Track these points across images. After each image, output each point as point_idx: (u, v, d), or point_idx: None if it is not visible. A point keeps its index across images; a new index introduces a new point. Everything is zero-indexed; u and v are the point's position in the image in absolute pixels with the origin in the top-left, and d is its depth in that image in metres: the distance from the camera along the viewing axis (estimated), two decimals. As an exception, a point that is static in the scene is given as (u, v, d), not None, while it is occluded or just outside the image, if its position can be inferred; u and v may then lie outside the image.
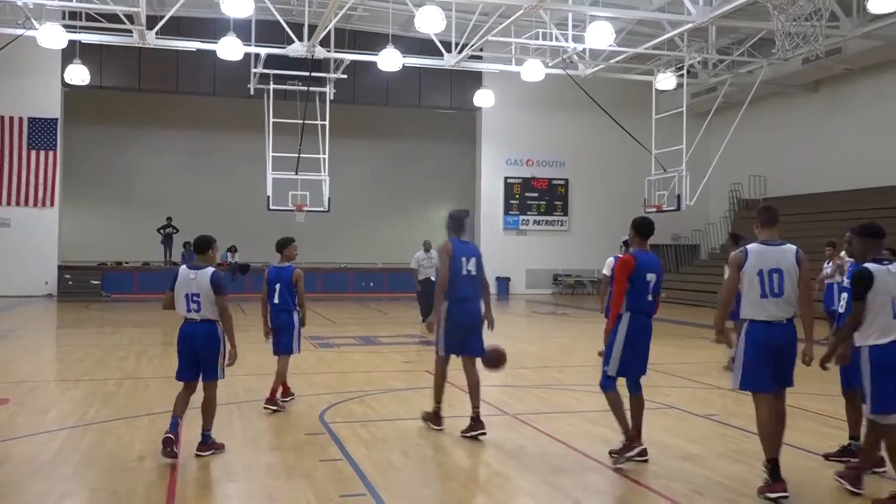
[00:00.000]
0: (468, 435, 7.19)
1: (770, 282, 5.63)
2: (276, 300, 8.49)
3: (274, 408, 8.24)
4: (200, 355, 6.59)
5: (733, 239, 11.96)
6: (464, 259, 7.34)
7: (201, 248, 6.82)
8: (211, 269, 6.60)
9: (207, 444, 6.56)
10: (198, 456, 6.48)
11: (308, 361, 11.99)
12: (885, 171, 23.91)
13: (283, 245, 8.72)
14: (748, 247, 5.81)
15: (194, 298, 6.53)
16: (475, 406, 7.31)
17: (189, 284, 6.57)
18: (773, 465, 5.59)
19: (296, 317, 8.57)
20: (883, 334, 5.36)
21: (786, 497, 5.49)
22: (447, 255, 7.31)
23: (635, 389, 6.55)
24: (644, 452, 6.36)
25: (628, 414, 6.47)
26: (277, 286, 8.51)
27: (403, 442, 7.10)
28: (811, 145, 27.09)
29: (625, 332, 6.37)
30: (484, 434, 7.20)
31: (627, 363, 6.40)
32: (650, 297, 6.40)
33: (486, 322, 7.52)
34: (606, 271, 11.74)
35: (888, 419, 5.38)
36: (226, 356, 6.64)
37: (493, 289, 29.79)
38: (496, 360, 7.64)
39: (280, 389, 8.58)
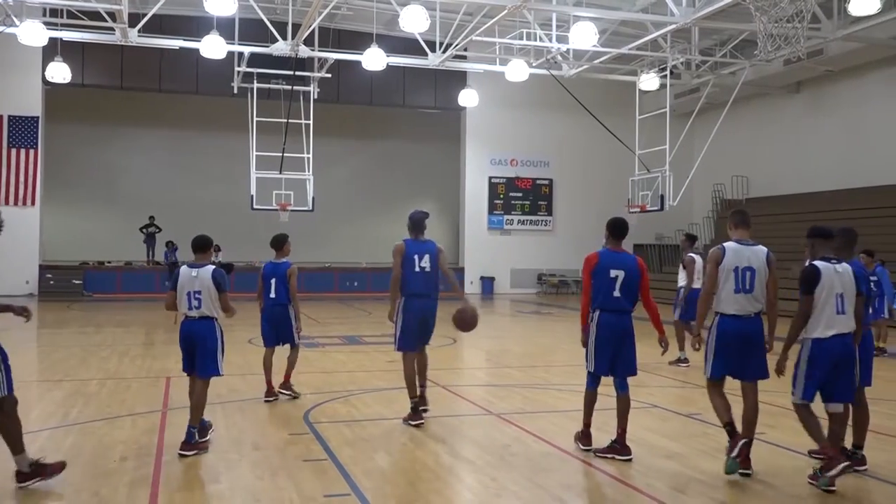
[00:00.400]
0: (417, 419, 7.65)
1: (743, 278, 6.07)
2: (272, 294, 8.76)
3: (289, 393, 8.79)
4: (197, 351, 6.70)
5: (690, 240, 12.21)
6: (416, 256, 7.66)
7: (201, 247, 7.04)
8: (212, 267, 6.83)
9: (191, 444, 6.52)
10: (181, 456, 6.45)
11: (292, 361, 11.96)
12: (866, 172, 24.18)
13: (281, 242, 9.02)
14: (725, 245, 6.20)
15: (196, 296, 6.69)
16: (422, 385, 7.92)
17: (191, 282, 6.73)
18: (731, 427, 6.15)
19: (291, 311, 8.82)
20: (826, 328, 5.81)
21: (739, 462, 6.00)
22: (399, 254, 7.70)
23: (620, 388, 6.64)
24: (589, 444, 6.67)
25: (621, 413, 6.66)
26: (273, 281, 8.77)
27: (388, 441, 7.10)
28: (793, 146, 27.31)
29: (594, 330, 6.56)
30: (426, 410, 7.82)
31: (603, 360, 6.56)
32: (617, 294, 6.50)
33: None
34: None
35: (801, 401, 5.91)
36: (224, 352, 6.84)
37: (477, 288, 30.08)
38: (465, 321, 7.87)
39: (279, 383, 8.85)
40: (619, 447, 6.50)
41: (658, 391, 9.73)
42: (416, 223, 7.85)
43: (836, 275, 5.86)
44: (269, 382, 8.77)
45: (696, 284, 11.18)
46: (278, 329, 8.82)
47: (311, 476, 6.00)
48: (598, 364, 6.57)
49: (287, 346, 8.92)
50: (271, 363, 8.81)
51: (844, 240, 6.22)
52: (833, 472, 5.60)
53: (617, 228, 6.69)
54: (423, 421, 7.67)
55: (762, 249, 6.21)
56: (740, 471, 5.96)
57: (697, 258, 11.59)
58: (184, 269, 6.88)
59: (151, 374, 10.76)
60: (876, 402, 9.15)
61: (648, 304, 6.68)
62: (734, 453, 5.90)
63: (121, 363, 11.75)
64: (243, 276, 20.02)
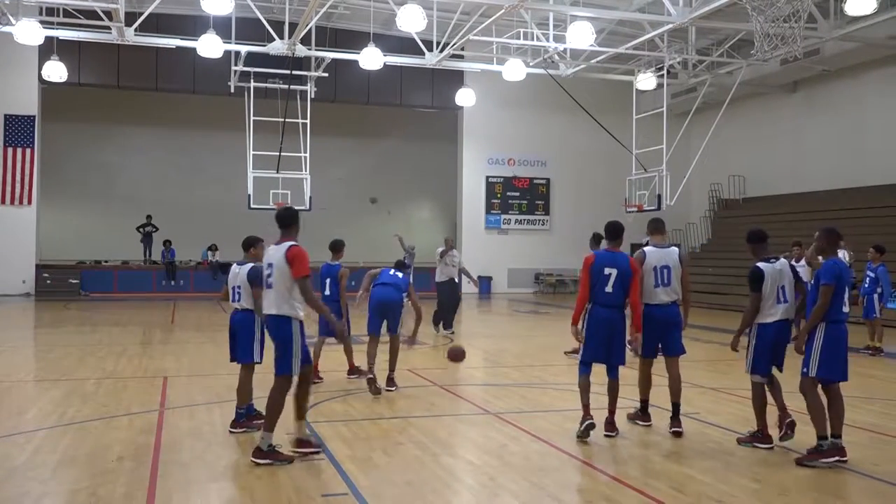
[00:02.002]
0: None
1: (661, 275, 7.47)
2: (326, 292, 9.78)
3: (356, 377, 10.06)
4: (237, 340, 7.43)
5: (596, 239, 12.52)
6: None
7: (246, 246, 7.69)
8: (250, 265, 7.43)
9: (241, 423, 7.30)
10: (231, 432, 7.22)
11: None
12: (863, 172, 24.22)
13: (338, 246, 10.22)
14: (645, 249, 7.59)
15: (237, 290, 7.43)
16: (391, 369, 9.64)
17: (235, 278, 7.48)
18: (644, 405, 7.69)
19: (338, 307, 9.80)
20: (769, 316, 6.84)
21: (648, 425, 7.61)
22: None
23: (610, 374, 7.28)
24: (590, 426, 7.11)
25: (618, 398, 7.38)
26: (328, 280, 9.89)
27: (385, 441, 7.10)
28: (790, 145, 27.34)
29: (587, 321, 7.23)
30: (378, 393, 9.08)
31: (594, 350, 7.21)
32: (609, 290, 7.12)
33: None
34: None
35: (756, 378, 6.95)
36: (263, 341, 7.34)
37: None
38: (455, 356, 9.73)
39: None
40: (609, 425, 7.24)
41: (656, 391, 9.71)
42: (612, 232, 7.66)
43: (776, 271, 6.86)
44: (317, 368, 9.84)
45: None
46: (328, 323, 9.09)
47: (309, 475, 6.00)
48: (591, 352, 7.21)
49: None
50: (319, 353, 9.99)
51: (828, 239, 6.84)
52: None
53: (607, 231, 7.45)
54: (380, 390, 9.13)
55: (675, 250, 7.65)
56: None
57: None
58: (233, 266, 7.64)
59: (149, 374, 10.74)
60: (874, 401, 9.20)
61: (633, 301, 7.21)
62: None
63: (118, 363, 11.73)
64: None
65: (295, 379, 6.49)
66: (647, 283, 7.39)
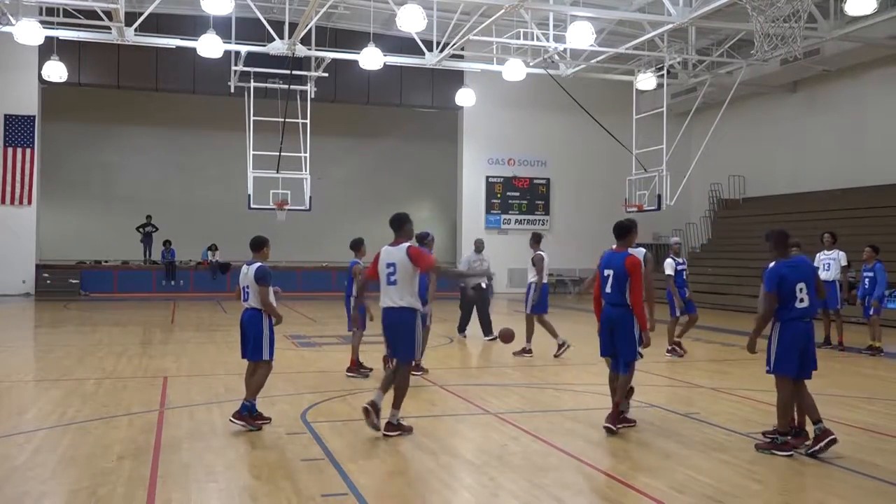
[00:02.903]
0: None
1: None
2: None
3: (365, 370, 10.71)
4: (245, 338, 7.58)
5: (536, 239, 13.20)
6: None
7: (255, 246, 7.79)
8: (258, 264, 7.58)
9: (243, 416, 7.38)
10: (230, 421, 7.37)
11: (290, 360, 11.96)
12: (863, 171, 24.21)
13: (357, 245, 10.87)
14: (606, 251, 7.84)
15: (245, 289, 7.61)
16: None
17: (244, 278, 7.63)
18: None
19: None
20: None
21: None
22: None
23: (618, 369, 7.50)
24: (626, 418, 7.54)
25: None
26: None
27: (385, 441, 7.08)
28: (790, 145, 27.34)
29: (599, 319, 7.61)
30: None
31: (602, 346, 7.60)
32: (608, 290, 7.44)
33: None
34: (669, 271, 12.71)
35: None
36: (272, 339, 7.59)
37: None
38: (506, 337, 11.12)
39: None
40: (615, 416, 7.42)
41: (656, 391, 9.73)
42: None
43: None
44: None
45: (546, 280, 12.79)
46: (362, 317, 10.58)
47: (309, 475, 5.99)
48: (601, 348, 7.63)
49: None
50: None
51: (775, 241, 7.07)
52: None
53: (614, 231, 7.71)
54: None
55: (640, 251, 8.28)
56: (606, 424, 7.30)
57: (545, 256, 12.83)
58: (243, 266, 7.76)
59: (149, 374, 10.74)
60: (874, 401, 9.19)
61: (632, 301, 7.34)
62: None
63: (118, 362, 11.72)
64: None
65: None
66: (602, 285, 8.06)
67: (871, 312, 13.06)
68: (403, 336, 7.24)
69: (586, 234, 28.09)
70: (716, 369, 11.80)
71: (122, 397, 9.03)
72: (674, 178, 23.75)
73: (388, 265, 7.22)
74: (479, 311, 15.01)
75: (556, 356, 12.46)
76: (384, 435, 7.06)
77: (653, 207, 24.18)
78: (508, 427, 7.69)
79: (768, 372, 6.85)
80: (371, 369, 10.58)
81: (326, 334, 15.84)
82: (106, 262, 28.71)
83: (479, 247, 14.94)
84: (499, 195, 30.96)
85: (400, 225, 7.39)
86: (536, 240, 13.12)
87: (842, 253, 13.46)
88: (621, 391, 7.47)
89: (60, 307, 22.44)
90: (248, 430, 7.32)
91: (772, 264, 6.90)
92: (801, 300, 6.71)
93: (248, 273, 7.58)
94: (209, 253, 28.36)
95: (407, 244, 7.27)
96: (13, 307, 22.74)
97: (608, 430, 7.28)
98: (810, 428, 6.78)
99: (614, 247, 7.67)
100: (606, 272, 7.45)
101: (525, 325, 12.86)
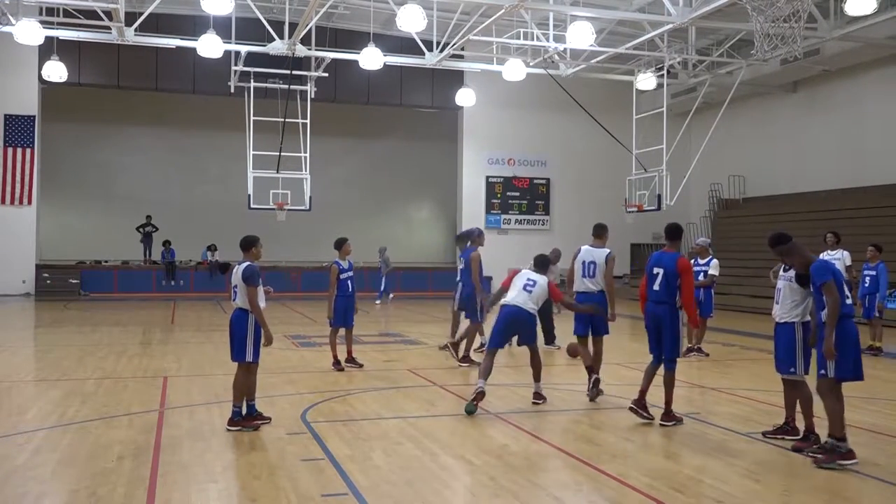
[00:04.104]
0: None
1: (588, 269, 9.09)
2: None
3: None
4: (232, 339, 7.53)
5: (461, 238, 13.56)
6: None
7: (244, 246, 7.75)
8: (246, 264, 7.54)
9: (235, 421, 7.37)
10: (227, 430, 7.30)
11: (290, 360, 11.97)
12: (863, 171, 24.22)
13: (340, 244, 11.13)
14: (582, 247, 9.27)
15: (234, 289, 7.57)
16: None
17: (233, 278, 7.60)
18: (590, 368, 9.05)
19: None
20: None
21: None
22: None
23: (665, 366, 7.79)
24: (631, 409, 7.88)
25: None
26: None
27: (385, 441, 7.09)
28: (790, 145, 27.33)
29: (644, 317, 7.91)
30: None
31: (649, 341, 7.88)
32: (656, 287, 7.72)
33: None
34: (714, 271, 12.75)
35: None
36: (257, 340, 7.51)
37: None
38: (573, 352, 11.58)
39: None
40: (667, 415, 7.75)
41: (657, 391, 9.71)
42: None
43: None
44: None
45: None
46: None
47: (309, 475, 5.99)
48: (649, 344, 7.89)
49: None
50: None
51: (669, 235, 7.92)
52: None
53: (665, 233, 8.09)
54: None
55: (605, 251, 9.11)
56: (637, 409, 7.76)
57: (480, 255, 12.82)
58: (235, 265, 7.74)
59: (148, 374, 10.74)
60: (873, 401, 9.18)
61: (683, 300, 7.72)
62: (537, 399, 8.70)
63: (118, 363, 11.72)
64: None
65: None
66: (577, 274, 9.17)
67: (875, 314, 13.08)
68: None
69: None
70: (716, 369, 11.79)
71: (122, 397, 9.03)
72: (674, 178, 23.76)
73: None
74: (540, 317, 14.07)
75: (441, 347, 12.87)
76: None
77: (653, 207, 24.18)
78: (509, 427, 7.69)
79: (822, 376, 6.37)
80: (341, 362, 11.02)
81: (326, 334, 15.79)
82: (106, 262, 28.70)
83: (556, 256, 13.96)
84: (499, 195, 30.95)
85: (674, 235, 7.98)
86: (461, 239, 13.30)
87: (846, 252, 13.41)
88: (669, 389, 7.72)
89: (60, 307, 22.43)
90: (247, 431, 7.32)
91: (822, 255, 6.89)
92: (847, 296, 6.47)
93: (237, 272, 7.54)
94: (209, 253, 28.35)
95: (677, 253, 7.82)
96: (13, 307, 22.74)
97: (663, 425, 7.65)
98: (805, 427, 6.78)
99: (665, 248, 7.99)
100: (656, 270, 7.74)
101: (451, 320, 13.10)
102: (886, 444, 7.18)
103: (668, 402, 7.72)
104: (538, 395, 8.72)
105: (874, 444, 7.12)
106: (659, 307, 7.69)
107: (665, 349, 7.71)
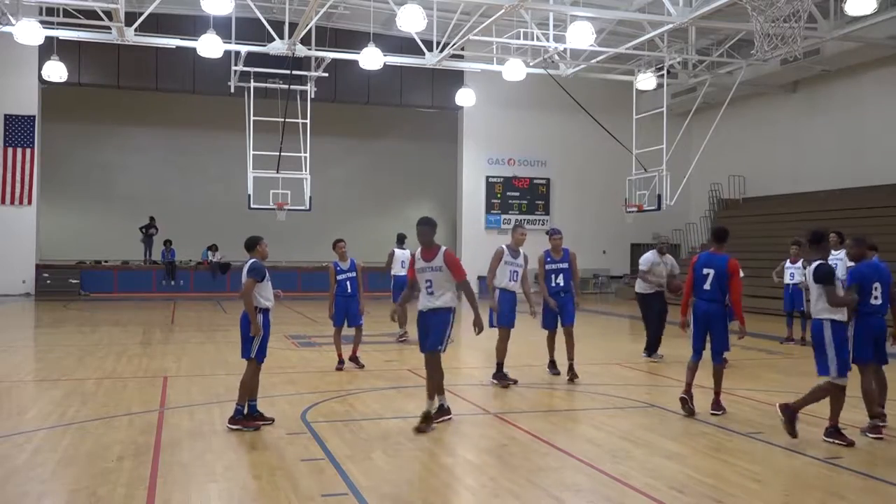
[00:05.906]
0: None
1: (555, 275, 10.61)
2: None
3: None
4: (242, 335, 7.63)
5: (399, 239, 15.36)
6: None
7: (249, 247, 7.84)
8: (251, 261, 7.66)
9: (236, 419, 7.40)
10: (228, 428, 7.34)
11: (290, 360, 11.97)
12: (863, 171, 24.21)
13: (334, 244, 11.76)
14: (545, 250, 10.75)
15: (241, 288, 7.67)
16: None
17: (243, 277, 7.67)
18: (552, 361, 10.84)
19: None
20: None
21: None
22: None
23: (714, 360, 8.24)
24: (682, 401, 8.24)
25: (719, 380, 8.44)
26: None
27: (385, 441, 7.09)
28: (790, 145, 27.33)
29: (691, 314, 8.26)
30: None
31: (696, 338, 8.20)
32: (707, 287, 8.10)
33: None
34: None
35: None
36: (265, 339, 7.62)
37: (475, 288, 29.95)
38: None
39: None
40: (715, 405, 8.24)
41: (657, 391, 9.73)
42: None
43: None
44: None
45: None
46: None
47: (309, 476, 5.99)
48: (694, 340, 8.20)
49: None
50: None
51: (716, 238, 8.31)
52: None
53: (712, 235, 8.50)
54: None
55: (567, 253, 10.66)
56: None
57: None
58: (244, 265, 7.81)
59: (149, 374, 10.74)
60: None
61: (733, 299, 8.12)
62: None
63: (118, 363, 11.72)
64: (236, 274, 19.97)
65: None
66: (545, 276, 10.58)
67: None
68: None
69: (587, 234, 28.10)
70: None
71: (122, 397, 9.03)
72: (674, 178, 23.76)
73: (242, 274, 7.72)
74: (647, 323, 12.86)
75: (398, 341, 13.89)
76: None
77: (653, 207, 24.19)
78: (509, 427, 7.69)
79: (853, 361, 7.22)
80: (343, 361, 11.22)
81: (326, 334, 15.79)
82: (106, 262, 28.71)
83: (663, 249, 12.74)
84: (499, 195, 30.95)
85: (722, 237, 8.39)
86: (399, 240, 15.45)
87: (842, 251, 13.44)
88: (718, 380, 8.25)
89: (60, 307, 22.43)
90: (248, 431, 7.32)
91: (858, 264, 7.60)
92: (876, 297, 7.32)
93: (243, 272, 7.67)
94: (209, 253, 28.36)
95: (727, 256, 8.24)
96: (13, 307, 22.74)
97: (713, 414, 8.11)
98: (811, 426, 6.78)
99: (711, 249, 8.33)
100: (706, 271, 8.14)
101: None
102: (887, 444, 7.17)
103: (718, 391, 8.24)
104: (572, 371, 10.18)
105: (874, 443, 7.12)
106: (711, 305, 8.10)
107: (714, 343, 8.15)
